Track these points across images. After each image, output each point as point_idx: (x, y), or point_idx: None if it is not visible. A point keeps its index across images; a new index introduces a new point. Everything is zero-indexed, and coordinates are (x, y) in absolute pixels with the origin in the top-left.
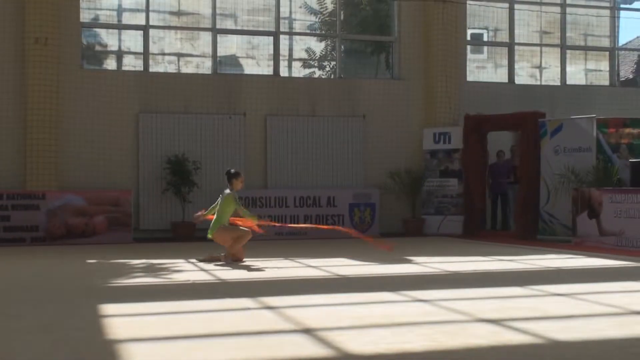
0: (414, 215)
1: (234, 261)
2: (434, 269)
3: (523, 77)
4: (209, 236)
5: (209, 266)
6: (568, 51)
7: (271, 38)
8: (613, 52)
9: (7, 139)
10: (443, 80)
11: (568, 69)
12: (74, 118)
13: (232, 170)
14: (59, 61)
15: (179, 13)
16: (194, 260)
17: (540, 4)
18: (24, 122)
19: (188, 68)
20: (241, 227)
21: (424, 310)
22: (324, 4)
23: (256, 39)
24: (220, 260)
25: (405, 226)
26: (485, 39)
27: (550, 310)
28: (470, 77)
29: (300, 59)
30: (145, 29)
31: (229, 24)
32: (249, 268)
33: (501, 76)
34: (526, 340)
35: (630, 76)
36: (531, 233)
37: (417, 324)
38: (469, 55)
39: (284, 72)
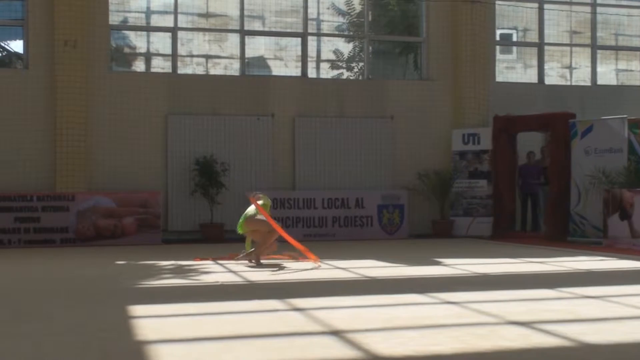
0: (443, 217)
1: (257, 260)
2: (463, 271)
3: (553, 77)
4: (240, 231)
5: (237, 267)
6: (599, 51)
7: (299, 39)
8: None
9: (37, 141)
10: (472, 80)
11: (599, 69)
12: (102, 120)
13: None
14: (88, 64)
15: (207, 15)
16: (225, 261)
17: (570, 3)
18: (53, 125)
19: (216, 70)
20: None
21: (453, 313)
22: (352, 4)
23: (284, 40)
24: (249, 260)
25: (433, 228)
26: (514, 39)
27: (581, 313)
28: (499, 78)
29: (328, 60)
30: (173, 30)
31: (256, 26)
32: (278, 268)
33: (531, 76)
34: (557, 343)
35: None
36: (561, 235)
37: (446, 326)
38: (498, 56)
39: (312, 73)
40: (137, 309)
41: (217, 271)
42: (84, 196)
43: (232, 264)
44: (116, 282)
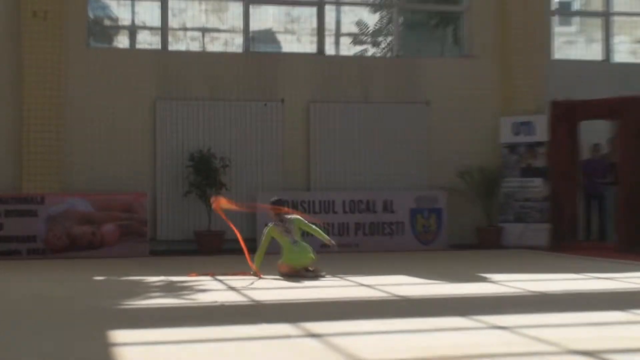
0: (490, 223)
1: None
2: (515, 289)
3: (622, 53)
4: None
5: (240, 284)
6: None
7: (314, 9)
8: None
9: (0, 132)
10: (524, 58)
11: None
12: (78, 107)
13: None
14: (61, 39)
15: None
16: (229, 277)
17: None
18: (19, 112)
19: (214, 46)
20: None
21: (504, 340)
22: None
23: (296, 10)
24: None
25: (478, 236)
26: (575, 8)
27: None
28: (557, 55)
29: (349, 34)
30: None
31: None
32: (289, 284)
33: (595, 53)
34: None
35: None
36: (635, 245)
37: (495, 356)
38: (556, 28)
39: (330, 49)
40: (119, 335)
41: (215, 289)
42: (56, 198)
43: (233, 279)
44: (94, 303)
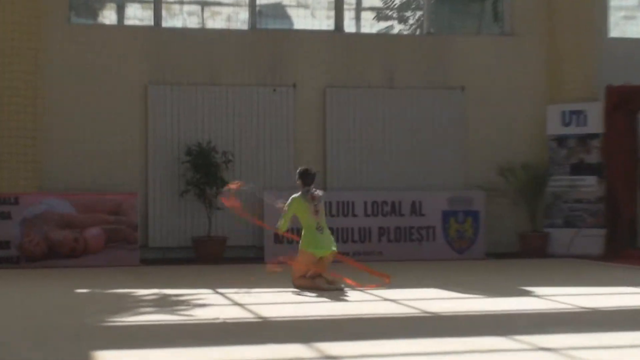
0: (535, 228)
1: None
2: (563, 305)
3: None
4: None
5: (245, 299)
6: None
7: None
8: None
9: None
10: (574, 36)
11: None
12: (58, 93)
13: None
14: (38, 14)
15: None
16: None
17: None
18: None
19: (216, 22)
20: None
21: None
22: None
23: None
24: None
25: (521, 243)
26: None
27: None
28: (614, 32)
29: (372, 9)
30: None
31: None
32: (301, 298)
33: None
34: None
35: None
36: None
37: None
38: (612, 1)
39: (349, 26)
40: (105, 356)
41: (216, 303)
42: (32, 199)
43: (235, 294)
44: (76, 319)
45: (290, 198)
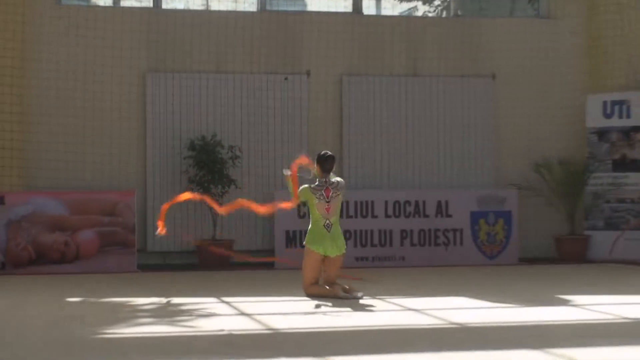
0: (573, 231)
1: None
2: (604, 315)
3: None
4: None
5: (253, 307)
6: None
7: None
8: None
9: None
10: (618, 19)
11: None
12: (47, 82)
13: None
14: None
15: None
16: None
17: None
18: None
19: (221, 3)
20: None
21: None
22: None
23: None
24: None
25: (558, 247)
26: None
27: None
28: None
29: None
30: None
31: None
32: (314, 308)
33: None
34: None
35: None
36: None
37: None
38: None
39: (368, 8)
40: None
41: (222, 313)
42: (18, 198)
43: (242, 302)
44: (67, 331)
45: (301, 188)
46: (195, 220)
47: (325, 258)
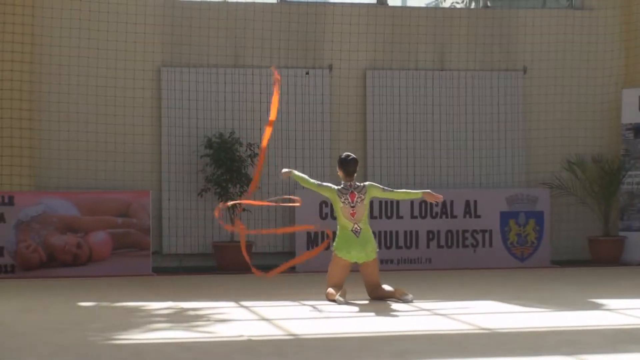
0: (607, 232)
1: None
2: None
3: None
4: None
5: (273, 312)
6: None
7: None
8: None
9: None
10: None
11: None
12: (57, 78)
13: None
14: None
15: None
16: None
17: None
18: None
19: None
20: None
21: None
22: None
23: None
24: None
25: (592, 249)
26: None
27: None
28: None
29: None
30: None
31: None
32: (338, 311)
33: None
34: None
35: None
36: None
37: None
38: None
39: None
40: None
41: (240, 318)
42: (28, 198)
43: (262, 307)
44: (80, 336)
45: (328, 185)
46: (213, 221)
47: (360, 266)
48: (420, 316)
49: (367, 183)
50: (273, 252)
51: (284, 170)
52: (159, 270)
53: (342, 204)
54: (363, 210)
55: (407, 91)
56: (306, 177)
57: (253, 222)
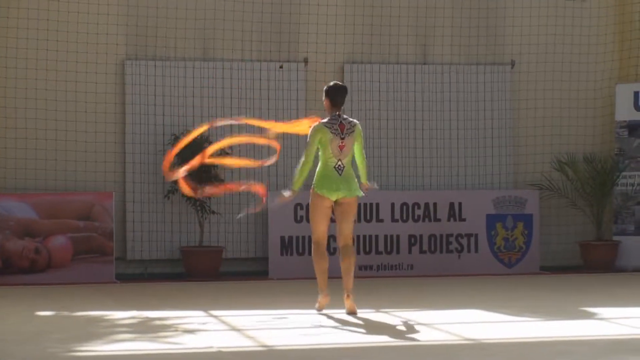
0: (600, 236)
1: None
2: (635, 329)
3: None
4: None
5: (245, 321)
6: None
7: None
8: None
9: None
10: None
11: None
12: (14, 71)
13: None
14: None
15: None
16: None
17: None
18: None
19: None
20: None
21: None
22: None
23: None
24: None
25: (584, 254)
26: None
27: None
28: None
29: None
30: None
31: None
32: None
33: None
34: None
35: None
36: None
37: None
38: None
39: None
40: None
41: (209, 329)
42: None
43: (233, 316)
44: (38, 348)
45: (312, 127)
46: (181, 225)
47: (336, 207)
48: (400, 326)
49: (357, 122)
50: (245, 257)
51: (286, 193)
52: (122, 278)
53: (331, 135)
54: (351, 146)
55: (387, 86)
56: (297, 174)
57: (224, 224)
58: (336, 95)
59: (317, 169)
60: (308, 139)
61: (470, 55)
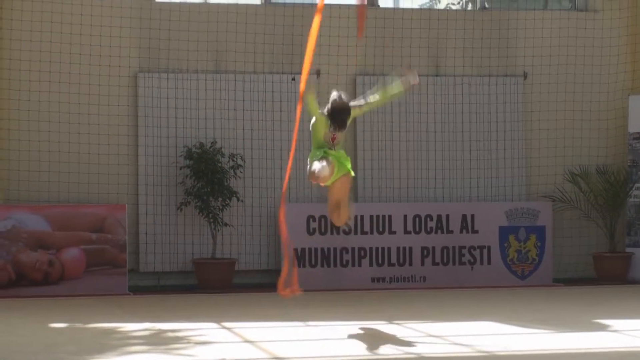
0: (613, 248)
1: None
2: None
3: None
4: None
5: (257, 333)
6: None
7: None
8: None
9: None
10: None
11: None
12: (27, 84)
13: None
14: None
15: None
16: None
17: None
18: None
19: None
20: None
21: None
22: None
23: None
24: None
25: (597, 266)
26: None
27: None
28: None
29: None
30: None
31: None
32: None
33: None
34: None
35: None
36: None
37: None
38: None
39: (385, 0)
40: None
41: (221, 340)
42: None
43: (245, 328)
44: (51, 359)
45: (321, 113)
46: (193, 237)
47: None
48: (413, 338)
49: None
50: (257, 269)
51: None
52: (135, 289)
53: (325, 129)
54: (343, 135)
55: (399, 98)
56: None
57: (236, 236)
58: (337, 117)
59: (311, 151)
60: (319, 112)
61: (482, 67)
